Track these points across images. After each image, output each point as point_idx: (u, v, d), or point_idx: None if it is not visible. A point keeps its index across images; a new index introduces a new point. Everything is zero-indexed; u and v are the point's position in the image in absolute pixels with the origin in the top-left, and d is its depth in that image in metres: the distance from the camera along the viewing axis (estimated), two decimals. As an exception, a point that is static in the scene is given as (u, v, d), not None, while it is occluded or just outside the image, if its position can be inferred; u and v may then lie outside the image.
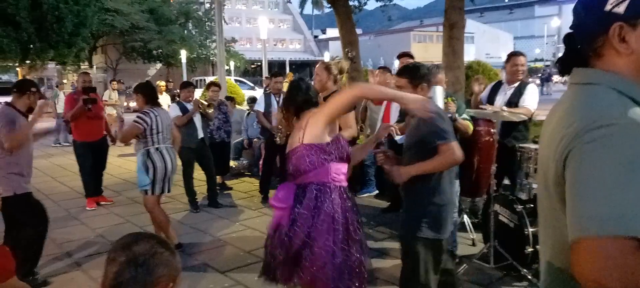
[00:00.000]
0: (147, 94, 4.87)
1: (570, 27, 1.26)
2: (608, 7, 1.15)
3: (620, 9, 1.13)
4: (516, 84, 4.98)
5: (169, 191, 4.95)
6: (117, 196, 7.36)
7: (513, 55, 5.11)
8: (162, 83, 12.52)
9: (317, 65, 4.71)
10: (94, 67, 35.74)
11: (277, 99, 6.84)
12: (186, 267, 4.57)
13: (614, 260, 0.99)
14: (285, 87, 6.34)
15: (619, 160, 1.03)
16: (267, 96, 7.13)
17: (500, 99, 5.02)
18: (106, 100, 11.96)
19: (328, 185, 2.73)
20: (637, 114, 1.09)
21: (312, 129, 2.71)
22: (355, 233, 2.77)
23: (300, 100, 2.90)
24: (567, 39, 1.27)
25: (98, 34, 33.18)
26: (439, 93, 3.91)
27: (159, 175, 4.74)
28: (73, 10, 24.81)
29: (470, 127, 4.32)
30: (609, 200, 1.01)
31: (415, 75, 3.01)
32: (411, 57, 5.72)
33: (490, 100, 5.13)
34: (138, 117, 4.71)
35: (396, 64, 5.85)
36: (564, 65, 1.28)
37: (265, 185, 6.92)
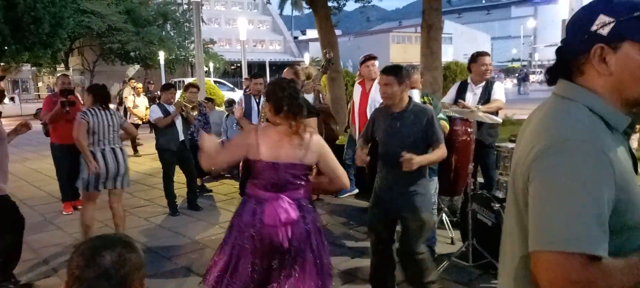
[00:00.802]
0: (97, 94, 4.93)
1: (561, 41, 1.31)
2: (593, 28, 1.20)
3: (604, 31, 1.19)
4: (483, 83, 5.06)
5: (98, 190, 4.92)
6: (95, 200, 7.26)
7: (479, 55, 5.16)
8: (139, 85, 12.38)
9: (284, 70, 4.74)
10: (71, 69, 35.17)
11: (257, 100, 6.82)
12: (166, 271, 4.54)
13: (570, 274, 1.07)
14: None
15: (568, 176, 1.11)
16: (247, 97, 7.10)
17: (470, 98, 5.09)
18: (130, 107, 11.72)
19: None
20: (602, 134, 1.17)
21: (313, 155, 2.78)
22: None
23: (290, 103, 2.72)
24: (558, 52, 1.32)
25: (74, 35, 32.67)
26: (415, 96, 4.03)
27: (92, 175, 4.76)
28: (50, 11, 24.40)
29: (446, 126, 4.37)
30: (568, 218, 1.09)
31: (400, 74, 3.38)
32: (375, 58, 5.86)
33: (458, 100, 5.18)
34: (79, 114, 4.82)
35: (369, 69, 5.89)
36: (551, 76, 1.33)
37: (246, 188, 6.89)
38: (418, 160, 3.21)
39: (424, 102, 4.39)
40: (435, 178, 4.54)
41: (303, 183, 2.79)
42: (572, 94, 1.25)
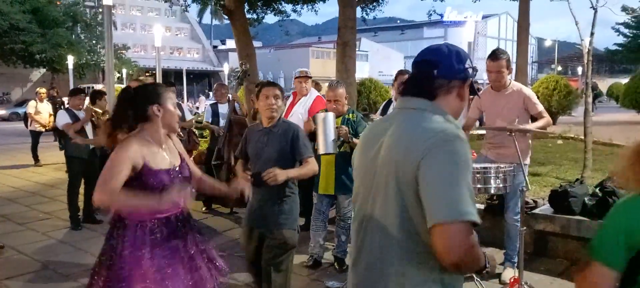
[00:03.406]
0: None
1: (436, 69, 1.67)
2: (466, 66, 1.70)
3: (469, 71, 1.71)
4: None
5: None
6: (-13, 213, 6.69)
7: (400, 73, 5.40)
8: (43, 90, 11.61)
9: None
10: (-36, 69, 32.32)
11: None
12: (64, 289, 4.27)
13: (456, 239, 1.41)
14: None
15: (458, 163, 1.47)
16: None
17: None
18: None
19: None
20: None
21: None
22: None
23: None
24: (428, 73, 1.69)
25: (-31, 33, 30.02)
26: (330, 117, 4.09)
27: None
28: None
29: None
30: (453, 194, 1.43)
31: (281, 88, 3.51)
32: (309, 77, 5.96)
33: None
34: None
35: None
36: (413, 90, 1.71)
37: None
38: (283, 173, 3.13)
39: (350, 119, 4.51)
40: None
41: None
42: (432, 109, 1.64)
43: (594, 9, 6.72)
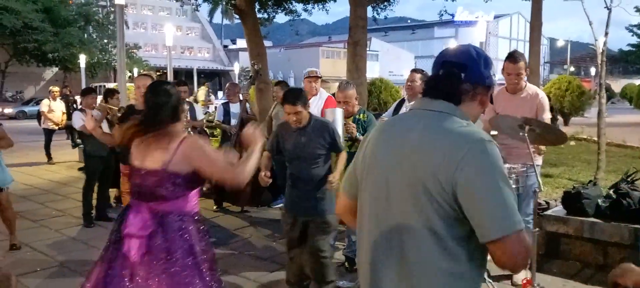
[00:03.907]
0: None
1: (464, 70, 1.64)
2: (491, 72, 1.70)
3: (489, 80, 1.69)
4: (415, 100, 5.25)
5: None
6: None
7: (411, 72, 5.33)
8: (56, 88, 11.75)
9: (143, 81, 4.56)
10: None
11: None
12: None
13: (520, 251, 1.44)
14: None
15: (498, 166, 1.48)
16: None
17: None
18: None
19: None
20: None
21: (181, 162, 2.48)
22: None
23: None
24: (454, 76, 1.65)
25: (-18, 33, 30.35)
26: (338, 114, 4.19)
27: None
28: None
29: None
30: (503, 205, 1.44)
31: (303, 97, 3.68)
32: (319, 77, 5.94)
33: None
34: None
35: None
36: (437, 92, 1.66)
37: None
38: (337, 177, 3.63)
39: (360, 119, 4.53)
40: None
41: (169, 194, 2.45)
42: (460, 114, 1.62)
43: (608, 8, 6.65)
